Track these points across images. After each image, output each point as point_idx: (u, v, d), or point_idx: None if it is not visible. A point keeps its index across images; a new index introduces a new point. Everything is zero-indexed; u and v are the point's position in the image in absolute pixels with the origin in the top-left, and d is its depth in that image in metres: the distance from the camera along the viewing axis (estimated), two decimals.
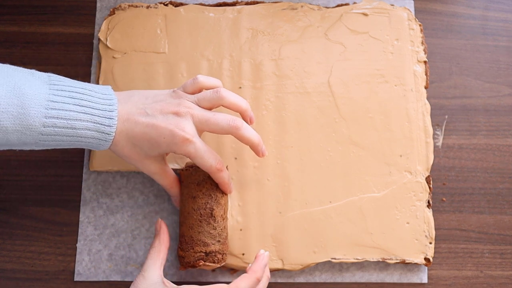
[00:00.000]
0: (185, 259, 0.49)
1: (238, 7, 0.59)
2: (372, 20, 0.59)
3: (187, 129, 0.46)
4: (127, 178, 0.56)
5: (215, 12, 0.59)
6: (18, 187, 0.56)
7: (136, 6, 0.59)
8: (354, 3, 0.60)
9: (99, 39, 0.58)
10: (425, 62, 0.58)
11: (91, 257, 0.55)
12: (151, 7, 0.59)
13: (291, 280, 0.55)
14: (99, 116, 0.44)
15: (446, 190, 0.58)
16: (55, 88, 0.43)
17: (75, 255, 0.55)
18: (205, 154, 0.47)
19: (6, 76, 0.41)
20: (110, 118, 0.44)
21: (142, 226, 0.55)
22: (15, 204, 0.56)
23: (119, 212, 0.56)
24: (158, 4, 0.59)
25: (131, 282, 0.54)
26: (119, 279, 0.54)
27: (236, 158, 0.55)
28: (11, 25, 0.60)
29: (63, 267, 0.55)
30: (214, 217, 0.50)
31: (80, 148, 0.57)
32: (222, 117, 0.48)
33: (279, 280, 0.55)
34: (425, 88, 0.58)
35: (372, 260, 0.54)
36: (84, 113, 0.43)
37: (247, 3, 0.60)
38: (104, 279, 0.54)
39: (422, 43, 0.59)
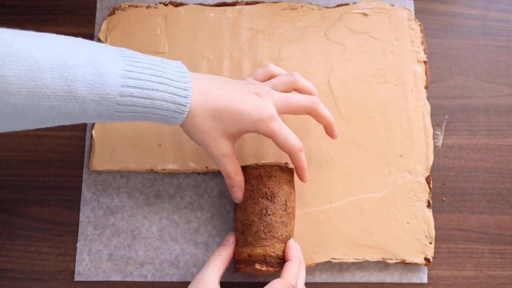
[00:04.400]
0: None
1: (238, 7, 0.59)
2: (372, 20, 0.59)
3: (271, 107, 0.46)
4: (127, 178, 0.56)
5: (215, 12, 0.59)
6: (18, 187, 0.56)
7: (136, 6, 0.59)
8: (354, 3, 0.60)
9: (99, 39, 0.58)
10: (425, 62, 0.58)
11: (91, 257, 0.55)
12: (151, 7, 0.59)
13: None
14: (174, 87, 0.43)
15: (446, 190, 0.58)
16: (129, 59, 0.42)
17: (75, 255, 0.55)
18: (288, 132, 0.47)
19: (80, 47, 0.41)
20: (186, 90, 0.44)
21: (142, 226, 0.55)
22: (15, 204, 0.56)
23: (119, 212, 0.56)
24: (158, 4, 0.59)
25: (131, 282, 0.54)
26: (119, 279, 0.54)
27: (236, 158, 0.55)
28: (11, 25, 0.59)
29: (63, 267, 0.55)
30: None
31: (80, 148, 0.57)
32: (300, 95, 0.49)
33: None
34: (425, 88, 0.58)
35: (372, 260, 0.54)
36: (160, 83, 0.43)
37: (247, 3, 0.60)
38: (104, 279, 0.54)
39: (422, 43, 0.59)
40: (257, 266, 0.48)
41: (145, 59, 0.43)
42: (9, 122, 0.39)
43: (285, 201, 0.49)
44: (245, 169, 0.51)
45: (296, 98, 0.48)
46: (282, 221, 0.49)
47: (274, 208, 0.49)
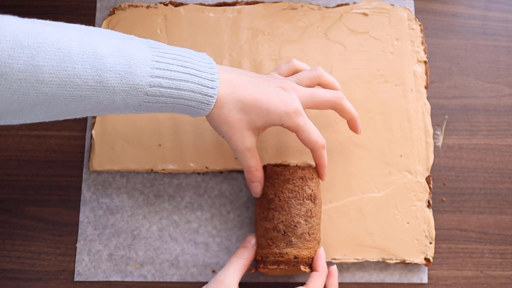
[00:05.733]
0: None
1: (238, 7, 0.59)
2: (372, 20, 0.59)
3: (296, 101, 0.47)
4: (127, 178, 0.56)
5: (215, 12, 0.59)
6: (18, 187, 0.56)
7: (136, 6, 0.59)
8: (354, 3, 0.60)
9: None
10: (425, 62, 0.58)
11: (91, 257, 0.55)
12: (151, 7, 0.59)
13: (291, 280, 0.55)
14: (202, 77, 0.44)
15: (446, 190, 0.58)
16: (156, 50, 0.43)
17: (75, 255, 0.55)
18: (312, 128, 0.47)
19: (110, 38, 0.41)
20: (213, 81, 0.44)
21: (142, 226, 0.55)
22: (15, 204, 0.56)
23: (119, 212, 0.56)
24: (158, 4, 0.59)
25: (131, 282, 0.54)
26: (119, 279, 0.54)
27: (236, 158, 0.55)
28: None
29: (63, 267, 0.55)
30: None
31: (80, 148, 0.57)
32: (325, 90, 0.49)
33: (279, 280, 0.55)
34: (425, 88, 0.58)
35: (372, 260, 0.54)
36: (188, 73, 0.43)
37: (247, 3, 0.60)
38: (104, 279, 0.54)
39: (422, 43, 0.59)
40: (302, 268, 0.48)
41: (172, 50, 0.43)
42: (38, 112, 0.39)
43: (320, 203, 0.50)
44: (288, 168, 0.50)
45: (321, 93, 0.49)
46: (319, 223, 0.50)
47: (316, 210, 0.49)
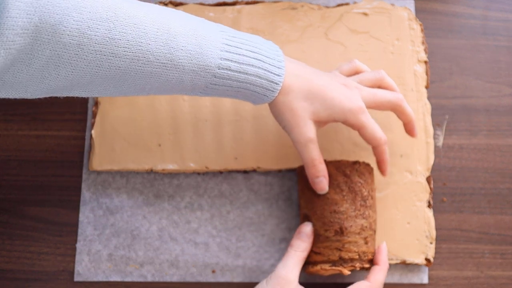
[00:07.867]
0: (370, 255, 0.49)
1: (238, 6, 0.59)
2: (372, 20, 0.59)
3: (360, 100, 0.47)
4: (127, 178, 0.56)
5: (215, 12, 0.59)
6: (18, 187, 0.56)
7: None
8: (355, 2, 0.60)
9: None
10: (425, 62, 0.58)
11: (90, 257, 0.55)
12: None
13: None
14: (269, 64, 0.44)
15: (447, 190, 0.58)
16: (226, 34, 0.43)
17: (75, 255, 0.55)
18: (375, 125, 0.47)
19: (182, 17, 0.42)
20: (279, 68, 0.44)
21: (142, 226, 0.55)
22: (15, 204, 0.56)
23: (119, 212, 0.56)
24: (158, 4, 0.59)
25: (131, 282, 0.54)
26: (119, 279, 0.54)
27: (236, 158, 0.55)
28: None
29: (63, 267, 0.55)
30: None
31: (80, 148, 0.57)
32: (387, 91, 0.50)
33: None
34: (426, 88, 0.58)
35: None
36: (256, 59, 0.43)
37: (247, 3, 0.60)
38: (104, 279, 0.54)
39: (422, 43, 0.59)
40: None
41: (241, 35, 0.44)
42: (108, 86, 0.40)
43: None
44: (372, 169, 0.51)
45: (383, 93, 0.49)
46: (363, 214, 0.50)
47: None
